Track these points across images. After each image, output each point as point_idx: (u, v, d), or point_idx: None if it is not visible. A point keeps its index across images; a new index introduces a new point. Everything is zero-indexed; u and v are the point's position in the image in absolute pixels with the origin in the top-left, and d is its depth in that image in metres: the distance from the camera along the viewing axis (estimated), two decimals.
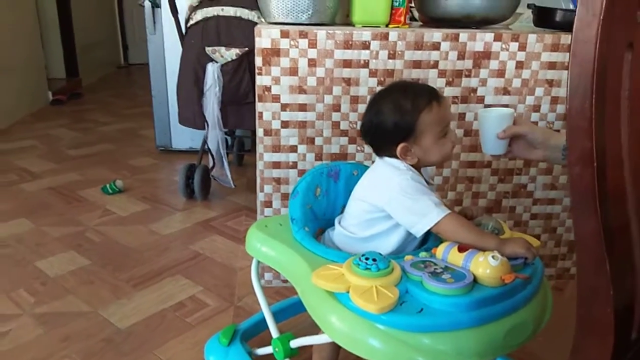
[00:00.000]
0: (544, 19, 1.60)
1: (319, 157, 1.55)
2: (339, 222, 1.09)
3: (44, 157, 2.97)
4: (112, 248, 1.90)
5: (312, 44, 1.43)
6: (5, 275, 1.70)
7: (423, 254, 0.90)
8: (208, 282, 1.68)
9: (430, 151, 0.99)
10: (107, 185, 2.42)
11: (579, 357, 0.62)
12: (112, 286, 1.64)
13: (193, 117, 2.17)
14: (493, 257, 0.80)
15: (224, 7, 2.01)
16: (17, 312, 1.50)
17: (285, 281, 1.65)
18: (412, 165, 1.01)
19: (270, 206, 1.59)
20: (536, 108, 1.56)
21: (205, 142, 2.23)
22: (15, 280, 1.67)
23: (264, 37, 1.42)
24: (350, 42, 1.44)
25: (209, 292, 1.62)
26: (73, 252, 1.86)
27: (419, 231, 0.94)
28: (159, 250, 1.89)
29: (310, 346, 1.15)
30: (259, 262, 1.15)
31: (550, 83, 1.54)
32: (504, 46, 1.48)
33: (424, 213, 0.92)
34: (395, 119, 0.98)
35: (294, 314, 1.36)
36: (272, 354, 1.12)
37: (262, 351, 1.21)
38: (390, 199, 0.96)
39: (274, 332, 1.13)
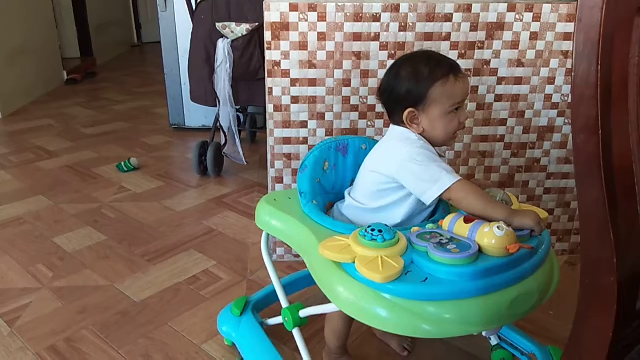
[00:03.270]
0: None
1: (329, 133, 1.55)
2: (349, 194, 1.10)
3: (60, 135, 3.01)
4: (128, 224, 1.93)
5: (322, 17, 1.42)
6: (24, 250, 1.74)
7: (430, 226, 0.90)
8: (221, 256, 1.70)
9: (436, 124, 0.98)
10: (122, 163, 2.45)
11: (582, 327, 0.62)
12: (127, 261, 1.68)
13: (205, 94, 2.17)
14: (498, 227, 0.80)
15: None
16: (37, 285, 1.54)
17: (297, 256, 1.67)
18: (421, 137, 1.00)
19: (282, 182, 1.60)
20: (551, 80, 1.53)
21: (217, 119, 2.24)
22: (34, 255, 1.71)
23: (273, 11, 1.41)
24: (360, 15, 1.42)
25: (222, 267, 1.64)
26: (90, 228, 1.90)
27: (430, 198, 0.93)
28: (173, 226, 1.91)
29: (321, 318, 1.17)
30: (268, 235, 1.17)
31: (566, 54, 1.50)
32: (517, 17, 1.45)
33: (435, 179, 0.92)
34: (411, 83, 0.98)
35: (304, 287, 1.38)
36: (282, 324, 1.14)
37: (272, 321, 1.24)
38: (401, 167, 0.97)
39: (284, 302, 1.15)
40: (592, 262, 0.57)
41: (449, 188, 0.91)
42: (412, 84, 0.98)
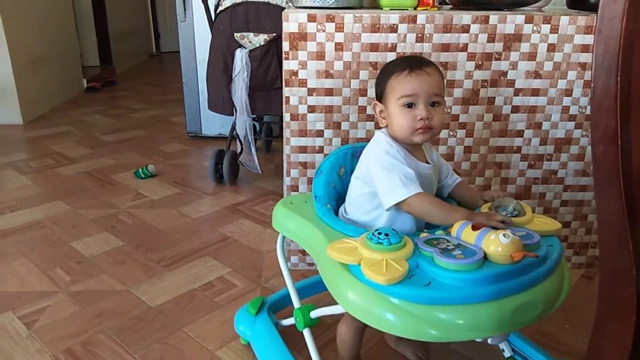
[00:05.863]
0: (578, 0, 1.56)
1: (345, 142, 1.55)
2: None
3: (79, 142, 3.06)
4: (144, 230, 1.95)
5: (339, 28, 1.43)
6: (43, 254, 1.77)
7: (439, 232, 0.91)
8: (236, 264, 1.71)
9: (392, 116, 1.01)
10: (140, 170, 2.49)
11: (600, 340, 0.61)
12: (144, 266, 1.70)
13: (222, 103, 2.20)
14: (504, 235, 0.81)
15: None
16: (54, 289, 1.56)
17: (311, 264, 1.68)
18: (394, 138, 1.02)
19: (297, 190, 1.61)
20: (568, 92, 1.52)
21: (233, 128, 2.26)
22: (52, 259, 1.74)
23: (291, 22, 1.43)
24: (377, 26, 1.43)
25: (236, 274, 1.65)
26: (107, 233, 1.92)
27: (386, 205, 0.97)
28: (189, 233, 1.93)
29: (335, 327, 1.17)
30: (284, 237, 1.19)
31: (584, 66, 1.50)
32: (535, 28, 1.45)
33: (392, 189, 0.96)
34: (378, 78, 1.06)
35: (318, 292, 1.38)
36: (296, 328, 1.15)
37: (286, 322, 1.26)
38: (368, 169, 1.03)
39: (296, 303, 1.17)
40: (610, 273, 0.57)
41: (403, 201, 0.95)
42: (378, 79, 1.05)
